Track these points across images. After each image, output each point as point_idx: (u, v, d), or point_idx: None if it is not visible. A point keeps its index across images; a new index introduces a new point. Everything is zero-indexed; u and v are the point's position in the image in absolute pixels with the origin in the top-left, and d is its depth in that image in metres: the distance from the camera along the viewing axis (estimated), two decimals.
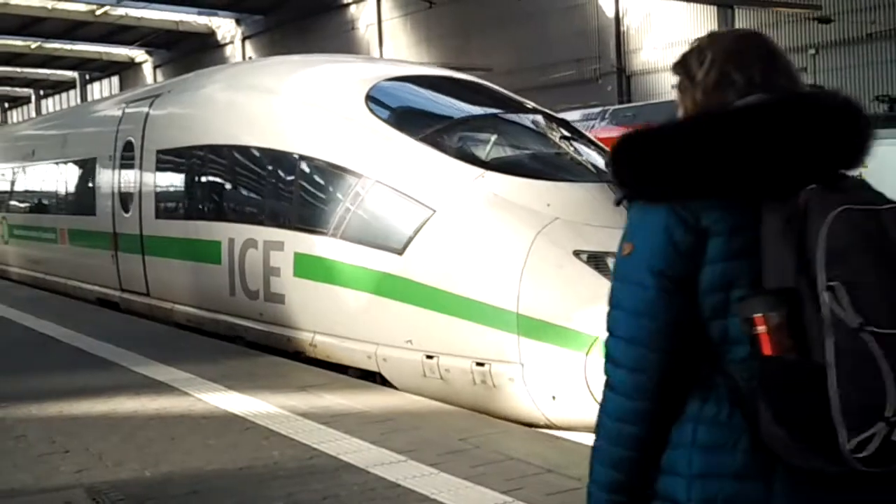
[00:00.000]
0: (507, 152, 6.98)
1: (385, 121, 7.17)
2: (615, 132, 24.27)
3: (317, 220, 7.26)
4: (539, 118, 7.53)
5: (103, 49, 51.14)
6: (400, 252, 6.39)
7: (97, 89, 58.18)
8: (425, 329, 6.22)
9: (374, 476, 4.40)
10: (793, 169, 1.54)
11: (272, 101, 8.21)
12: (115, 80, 56.73)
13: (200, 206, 9.18)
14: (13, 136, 17.53)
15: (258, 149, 8.18)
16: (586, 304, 5.31)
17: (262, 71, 9.57)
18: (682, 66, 1.79)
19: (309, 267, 7.21)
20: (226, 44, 45.54)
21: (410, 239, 6.34)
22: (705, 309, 1.58)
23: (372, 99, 7.33)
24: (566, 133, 7.23)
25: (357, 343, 6.78)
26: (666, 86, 27.57)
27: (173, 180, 9.93)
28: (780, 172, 1.54)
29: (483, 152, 6.83)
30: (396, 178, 6.61)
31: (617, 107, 25.77)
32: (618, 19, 28.81)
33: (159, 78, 51.39)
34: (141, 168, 10.11)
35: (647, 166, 1.62)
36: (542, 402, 5.61)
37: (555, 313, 5.58)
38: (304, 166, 7.51)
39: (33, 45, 48.84)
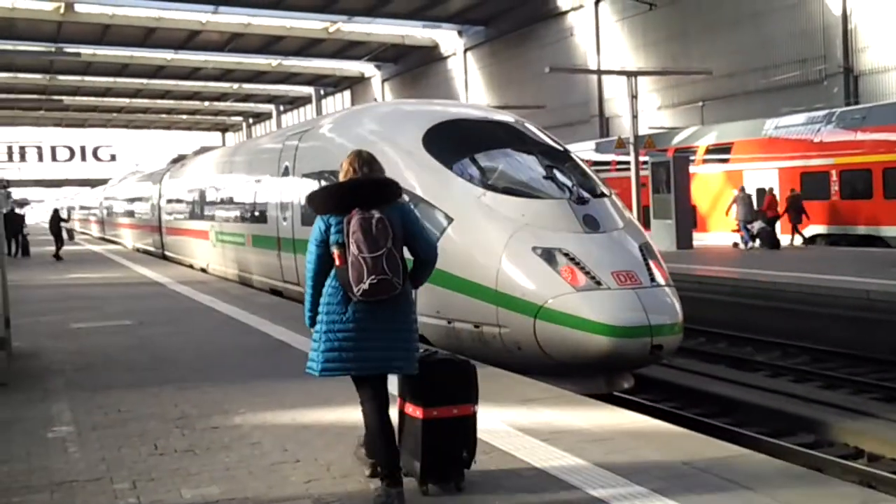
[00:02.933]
0: (503, 177, 9.37)
1: (432, 154, 9.68)
2: (843, 136, 22.57)
3: None
4: (539, 152, 9.85)
5: (336, 65, 53.93)
6: None
7: (331, 104, 61.42)
8: (446, 303, 8.98)
9: (597, 498, 4.28)
10: (353, 203, 4.29)
11: (367, 138, 10.65)
12: (347, 94, 59.60)
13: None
14: (217, 158, 20.85)
15: None
16: (536, 284, 8.21)
17: (363, 116, 12.20)
18: (340, 164, 4.64)
19: None
20: (448, 56, 46.65)
21: (437, 238, 8.56)
22: (331, 251, 4.36)
23: (426, 138, 9.89)
24: (550, 163, 9.52)
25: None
26: None
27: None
28: (349, 204, 4.29)
29: (488, 178, 9.36)
30: (433, 195, 9.33)
31: (844, 109, 23.86)
32: (845, 17, 26.73)
33: (387, 92, 53.51)
34: (293, 186, 12.94)
35: (322, 200, 4.46)
36: (511, 352, 8.42)
37: (517, 290, 8.30)
38: None
39: (274, 63, 52.37)
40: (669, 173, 22.08)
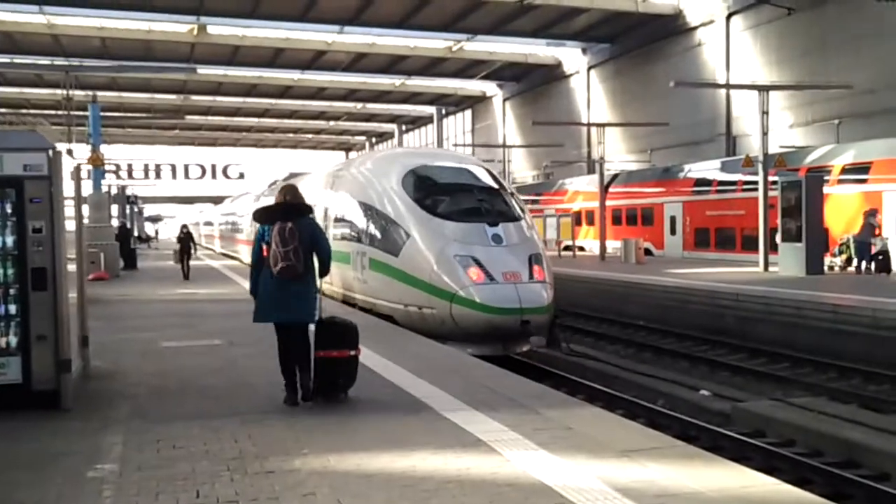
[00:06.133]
0: (446, 207, 13.51)
1: (405, 190, 13.93)
2: None
3: (373, 239, 14.28)
4: (477, 188, 14.21)
5: (458, 84, 53.76)
6: (397, 255, 13.40)
7: (452, 123, 61.32)
8: (404, 293, 13.19)
9: None
10: (275, 217, 7.39)
11: (369, 177, 15.31)
12: (468, 113, 59.37)
13: (343, 234, 15.87)
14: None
15: (361, 203, 15.05)
16: (452, 279, 12.53)
17: (370, 161, 16.85)
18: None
19: (372, 265, 14.19)
20: (571, 74, 45.73)
21: (400, 248, 13.33)
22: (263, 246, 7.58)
23: (404, 179, 14.18)
24: (482, 197, 13.90)
25: (386, 303, 13.73)
26: None
27: (336, 219, 16.74)
28: (274, 218, 7.41)
29: (438, 207, 13.51)
30: (401, 218, 13.60)
31: None
32: None
33: (508, 110, 53.00)
34: (330, 209, 17.12)
35: (259, 216, 7.67)
36: (438, 326, 12.41)
37: (441, 283, 12.56)
38: (372, 212, 14.45)
39: (397, 83, 52.65)
40: (801, 194, 20.55)
